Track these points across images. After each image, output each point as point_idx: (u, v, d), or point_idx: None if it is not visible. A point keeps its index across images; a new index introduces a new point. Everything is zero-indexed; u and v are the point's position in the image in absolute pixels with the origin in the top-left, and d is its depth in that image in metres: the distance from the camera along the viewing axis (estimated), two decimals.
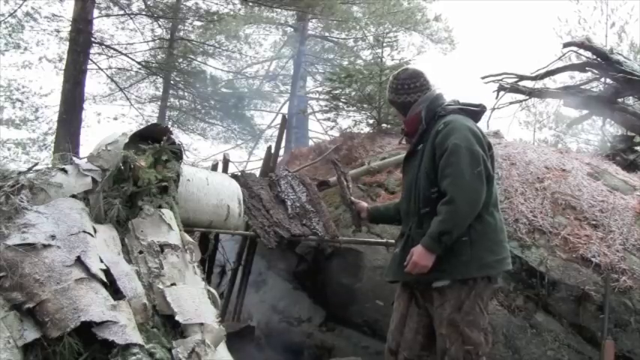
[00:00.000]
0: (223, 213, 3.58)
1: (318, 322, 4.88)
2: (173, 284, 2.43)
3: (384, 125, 7.21)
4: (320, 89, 12.07)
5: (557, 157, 5.09)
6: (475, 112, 2.51)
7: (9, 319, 1.93)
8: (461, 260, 2.29)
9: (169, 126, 3.20)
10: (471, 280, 2.32)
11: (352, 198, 2.84)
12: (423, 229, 2.34)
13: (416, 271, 2.29)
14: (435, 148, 2.34)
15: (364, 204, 2.89)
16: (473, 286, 2.32)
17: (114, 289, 2.19)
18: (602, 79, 7.28)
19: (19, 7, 9.42)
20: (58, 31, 10.14)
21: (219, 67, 12.26)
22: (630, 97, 7.42)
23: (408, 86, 2.53)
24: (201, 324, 2.31)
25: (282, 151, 7.85)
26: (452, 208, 2.22)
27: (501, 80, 7.08)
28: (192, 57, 11.16)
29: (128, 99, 11.82)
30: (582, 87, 7.30)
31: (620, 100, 6.91)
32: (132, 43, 10.70)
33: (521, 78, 7.12)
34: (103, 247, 2.36)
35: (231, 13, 10.56)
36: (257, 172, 5.14)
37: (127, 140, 2.82)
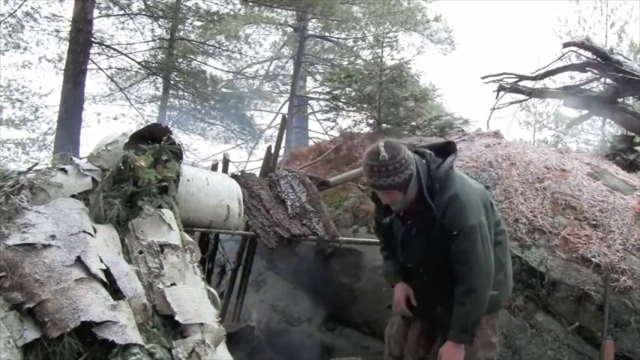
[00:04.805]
0: (223, 213, 3.58)
1: (318, 322, 4.88)
2: (173, 284, 2.43)
3: (384, 125, 7.22)
4: (320, 89, 12.06)
5: (557, 157, 5.09)
6: (454, 156, 2.38)
7: (9, 319, 1.93)
8: None
9: (169, 126, 3.20)
10: None
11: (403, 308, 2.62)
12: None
13: None
14: (445, 227, 2.25)
15: (402, 293, 2.58)
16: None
17: (114, 289, 2.19)
18: (602, 79, 7.27)
19: (19, 7, 9.43)
20: (58, 31, 10.16)
21: (219, 67, 12.26)
22: (630, 97, 7.41)
23: (404, 160, 2.21)
24: (201, 324, 2.31)
25: (282, 151, 7.84)
26: (475, 297, 2.27)
27: (501, 80, 7.09)
28: (192, 57, 11.16)
29: (128, 99, 11.83)
30: (582, 87, 7.29)
31: (620, 100, 6.90)
32: (132, 43, 10.71)
33: (521, 78, 7.12)
34: (103, 247, 2.36)
35: (231, 13, 10.56)
36: (257, 172, 5.14)
37: (127, 140, 2.82)
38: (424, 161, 2.30)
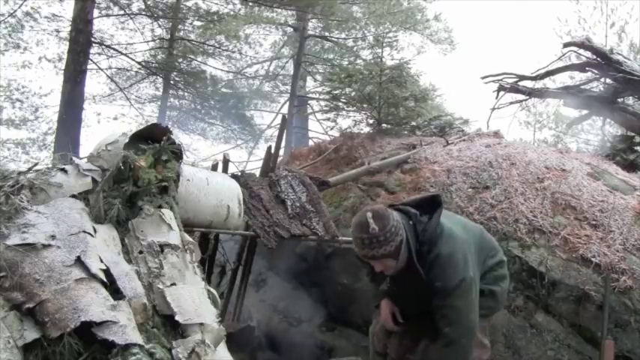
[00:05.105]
0: (223, 213, 3.58)
1: (318, 322, 4.89)
2: (173, 284, 2.43)
3: (384, 125, 7.22)
4: (320, 89, 12.07)
5: (557, 157, 5.10)
6: (440, 210, 2.38)
7: (9, 319, 1.93)
8: None
9: (169, 126, 3.19)
10: None
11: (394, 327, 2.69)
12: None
13: None
14: (431, 281, 2.30)
15: (389, 310, 2.67)
16: None
17: (114, 289, 2.19)
18: (602, 79, 7.28)
19: (19, 7, 9.42)
20: (58, 31, 10.14)
21: (219, 67, 12.23)
22: (630, 97, 7.41)
23: (393, 228, 2.20)
24: (201, 324, 2.31)
25: (282, 151, 7.84)
26: (453, 350, 2.30)
27: (501, 80, 7.10)
28: (192, 57, 11.15)
29: (128, 99, 11.82)
30: (582, 87, 7.30)
31: (620, 100, 6.91)
32: (132, 43, 10.69)
33: (521, 78, 7.13)
34: (103, 247, 2.36)
35: (231, 13, 10.55)
36: (257, 172, 5.14)
37: (127, 140, 2.82)
38: (411, 222, 2.32)
